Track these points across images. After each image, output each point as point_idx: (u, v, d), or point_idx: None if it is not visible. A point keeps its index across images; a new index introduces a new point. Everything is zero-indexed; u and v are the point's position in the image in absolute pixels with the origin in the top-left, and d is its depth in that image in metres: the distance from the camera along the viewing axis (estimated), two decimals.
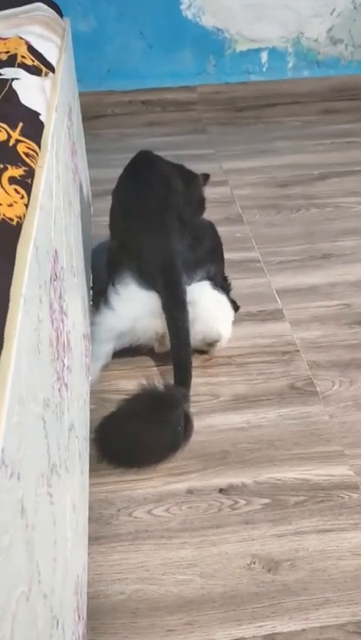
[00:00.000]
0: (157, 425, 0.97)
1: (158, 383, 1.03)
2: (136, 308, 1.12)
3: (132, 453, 0.98)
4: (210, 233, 1.25)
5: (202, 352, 1.20)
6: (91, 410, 1.07)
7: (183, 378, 1.06)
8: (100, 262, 1.27)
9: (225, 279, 1.26)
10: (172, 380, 1.09)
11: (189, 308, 1.11)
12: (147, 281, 1.12)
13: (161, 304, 1.11)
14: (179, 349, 1.09)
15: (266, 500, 0.94)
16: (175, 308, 1.10)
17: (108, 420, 1.00)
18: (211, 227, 1.26)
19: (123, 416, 0.99)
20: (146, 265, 1.12)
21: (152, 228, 1.15)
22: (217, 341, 1.17)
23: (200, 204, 1.39)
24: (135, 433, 0.97)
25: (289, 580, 0.84)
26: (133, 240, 1.16)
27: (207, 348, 1.19)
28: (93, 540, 0.88)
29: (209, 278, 1.18)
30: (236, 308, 1.27)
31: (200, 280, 1.16)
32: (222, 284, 1.21)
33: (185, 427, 0.99)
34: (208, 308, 1.15)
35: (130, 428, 0.97)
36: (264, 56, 2.29)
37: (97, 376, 1.14)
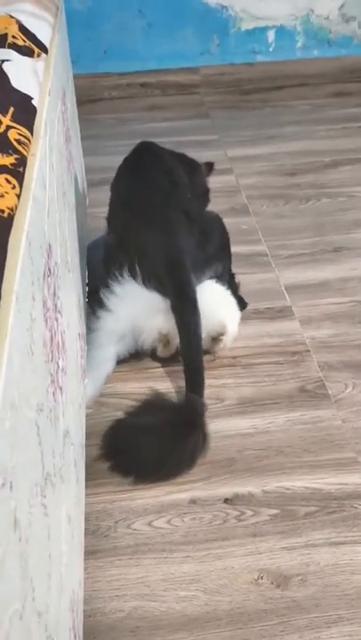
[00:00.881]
0: (177, 442, 0.97)
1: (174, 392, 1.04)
2: (135, 308, 1.12)
3: (147, 468, 0.98)
4: (218, 228, 1.25)
5: (205, 352, 1.20)
6: (87, 414, 1.07)
7: (196, 385, 1.06)
8: (96, 258, 1.27)
9: (232, 276, 1.26)
10: (172, 382, 1.09)
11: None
12: (147, 279, 1.12)
13: (170, 305, 1.10)
14: (191, 354, 1.09)
15: (274, 511, 0.94)
16: (186, 310, 1.10)
17: (122, 431, 1.00)
18: (218, 221, 1.26)
19: (139, 430, 0.99)
20: (148, 263, 1.12)
21: (155, 224, 1.15)
22: (222, 335, 1.16)
23: (204, 195, 1.38)
24: (153, 449, 0.97)
25: (299, 596, 0.84)
26: (134, 236, 1.16)
27: (211, 345, 1.18)
28: (90, 553, 0.88)
29: (216, 277, 1.18)
30: (243, 305, 1.27)
31: (207, 279, 1.16)
32: (230, 282, 1.21)
33: (202, 439, 0.99)
34: (212, 300, 1.14)
35: (147, 443, 0.97)
36: (271, 35, 2.28)
37: (100, 386, 1.13)
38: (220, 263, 1.20)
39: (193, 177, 1.33)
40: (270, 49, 2.30)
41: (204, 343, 1.17)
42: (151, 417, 1.00)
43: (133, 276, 1.12)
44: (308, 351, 1.22)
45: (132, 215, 1.19)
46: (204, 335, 1.14)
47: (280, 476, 0.99)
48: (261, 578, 0.86)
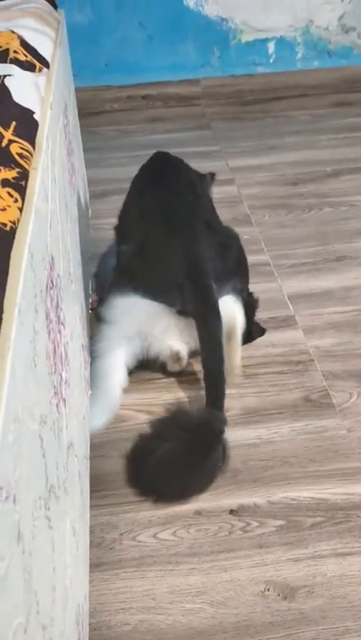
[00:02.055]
0: (198, 463, 0.97)
1: (192, 408, 1.02)
2: (144, 318, 1.11)
3: (169, 491, 0.97)
4: (236, 244, 1.24)
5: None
6: None
7: (217, 398, 1.03)
8: (108, 269, 1.25)
9: (250, 295, 1.25)
10: (176, 394, 1.09)
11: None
12: (162, 291, 1.10)
13: (192, 312, 1.08)
14: (212, 364, 1.06)
15: (280, 522, 0.93)
16: (208, 317, 1.07)
17: (143, 447, 0.99)
18: (237, 237, 1.25)
19: (159, 447, 0.97)
20: (167, 271, 1.10)
21: (178, 233, 1.13)
22: (232, 329, 1.13)
23: None
24: (174, 472, 0.96)
25: (306, 608, 0.83)
26: (154, 245, 1.13)
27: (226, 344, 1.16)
28: (95, 566, 0.88)
29: (234, 292, 1.15)
30: (261, 331, 1.25)
31: (226, 294, 1.14)
32: (247, 301, 1.19)
33: (223, 458, 0.99)
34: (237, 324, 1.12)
35: (168, 466, 0.96)
36: (271, 46, 2.30)
37: (113, 408, 1.10)
38: (238, 279, 1.18)
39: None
40: (271, 60, 2.31)
41: None
42: (171, 438, 0.98)
43: (148, 286, 1.10)
44: (312, 360, 1.22)
45: (154, 224, 1.16)
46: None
47: (285, 487, 0.98)
48: (268, 590, 0.85)
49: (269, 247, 1.55)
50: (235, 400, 1.14)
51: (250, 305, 1.20)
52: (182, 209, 1.17)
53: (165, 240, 1.13)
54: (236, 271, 1.18)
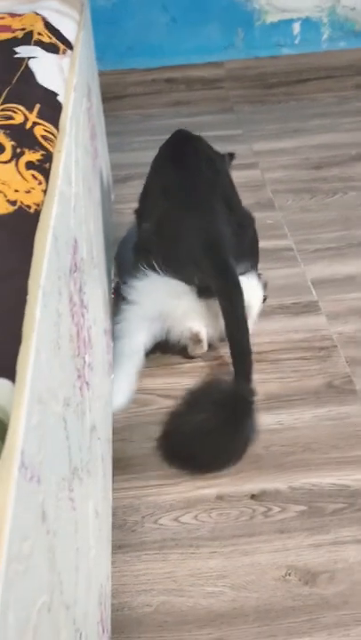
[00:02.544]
0: (230, 433, 0.97)
1: (222, 381, 1.02)
2: (164, 296, 1.10)
3: (203, 463, 0.98)
4: (252, 225, 1.23)
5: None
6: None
7: (245, 371, 1.03)
8: (127, 253, 1.26)
9: (258, 277, 1.24)
10: (200, 378, 1.09)
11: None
12: (181, 268, 1.09)
13: (214, 287, 1.07)
14: (237, 336, 1.04)
15: (302, 508, 0.93)
16: (231, 291, 1.06)
17: (176, 421, 1.01)
18: (253, 220, 1.25)
19: (192, 420, 0.99)
20: (185, 247, 1.09)
21: (197, 209, 1.12)
22: (249, 308, 1.13)
23: None
24: (207, 441, 0.97)
25: (328, 594, 0.83)
26: (173, 222, 1.13)
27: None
28: (117, 548, 0.89)
29: (247, 273, 1.15)
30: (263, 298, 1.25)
31: (241, 273, 1.13)
32: (257, 279, 1.19)
33: (254, 429, 0.99)
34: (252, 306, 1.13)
35: (200, 434, 0.97)
36: (297, 27, 2.25)
37: (131, 386, 1.11)
38: (250, 262, 1.18)
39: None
40: (296, 41, 2.27)
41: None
42: (203, 410, 0.99)
43: (166, 262, 1.10)
44: (335, 346, 1.20)
45: (173, 201, 1.16)
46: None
47: (307, 473, 0.98)
48: (289, 574, 0.85)
49: (293, 232, 1.54)
50: (257, 385, 1.13)
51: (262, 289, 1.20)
52: (202, 185, 1.16)
53: (184, 216, 1.12)
54: (250, 252, 1.18)
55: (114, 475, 0.96)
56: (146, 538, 0.90)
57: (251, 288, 1.14)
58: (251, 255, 1.19)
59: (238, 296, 1.06)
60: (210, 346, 1.18)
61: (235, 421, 0.98)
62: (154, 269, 1.10)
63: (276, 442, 1.03)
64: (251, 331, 1.14)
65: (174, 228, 1.12)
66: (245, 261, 1.14)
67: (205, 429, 0.97)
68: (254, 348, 1.19)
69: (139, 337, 1.12)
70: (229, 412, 0.98)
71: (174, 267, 1.10)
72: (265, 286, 1.23)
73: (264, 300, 1.26)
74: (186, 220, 1.11)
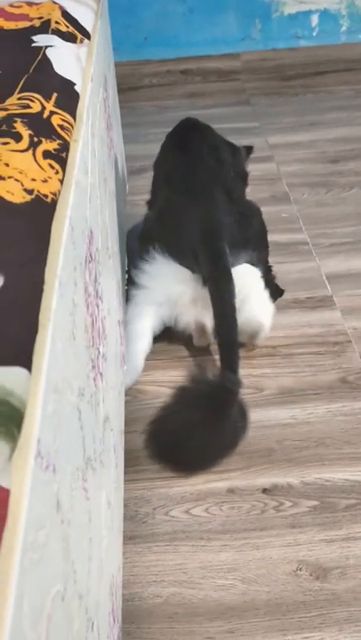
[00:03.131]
0: (215, 426, 0.96)
1: (207, 373, 1.01)
2: (168, 282, 1.11)
3: (189, 457, 0.98)
4: (257, 216, 1.22)
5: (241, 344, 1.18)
6: (125, 402, 1.07)
7: (231, 361, 1.02)
8: (135, 243, 1.26)
9: (269, 269, 1.24)
10: (210, 371, 1.08)
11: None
12: (182, 253, 1.10)
13: (204, 276, 1.07)
14: (225, 327, 1.04)
15: (314, 503, 0.93)
16: (220, 280, 1.05)
17: (160, 419, 0.99)
18: (258, 211, 1.24)
19: (175, 416, 0.98)
20: (185, 236, 1.10)
21: (197, 197, 1.12)
22: (257, 332, 1.15)
23: (243, 179, 1.37)
24: (192, 436, 0.96)
25: (339, 589, 0.82)
26: (175, 209, 1.14)
27: (248, 339, 1.17)
28: (128, 539, 0.89)
29: (251, 264, 1.15)
30: (280, 293, 1.25)
31: (243, 263, 1.14)
32: (266, 275, 1.19)
33: (242, 419, 0.98)
34: (246, 289, 1.11)
35: (184, 430, 0.96)
36: (315, 19, 2.23)
37: (140, 368, 1.13)
38: (256, 252, 1.17)
39: (233, 160, 1.31)
40: (314, 33, 2.25)
41: (241, 337, 1.16)
42: (187, 405, 0.98)
43: (168, 249, 1.10)
44: (350, 342, 1.19)
45: (175, 189, 1.17)
46: (240, 332, 1.11)
47: (320, 468, 0.97)
48: (300, 569, 0.85)
49: (308, 226, 1.52)
50: (270, 380, 1.13)
51: (268, 278, 1.18)
52: (202, 174, 1.16)
53: (184, 204, 1.13)
54: (254, 243, 1.16)
55: (125, 466, 0.96)
56: (157, 529, 0.91)
57: (249, 277, 1.13)
58: (257, 246, 1.18)
59: (227, 283, 1.04)
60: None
61: (219, 415, 0.96)
62: (159, 254, 1.11)
63: (289, 436, 1.02)
64: (265, 334, 1.14)
65: (175, 217, 1.13)
66: (249, 251, 1.14)
67: (190, 424, 0.95)
68: (268, 342, 1.19)
69: (147, 321, 1.12)
70: (213, 405, 0.96)
71: (176, 255, 1.10)
72: (272, 280, 1.22)
73: (281, 293, 1.25)
74: (185, 208, 1.12)
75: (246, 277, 1.12)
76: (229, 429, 0.98)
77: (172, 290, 1.11)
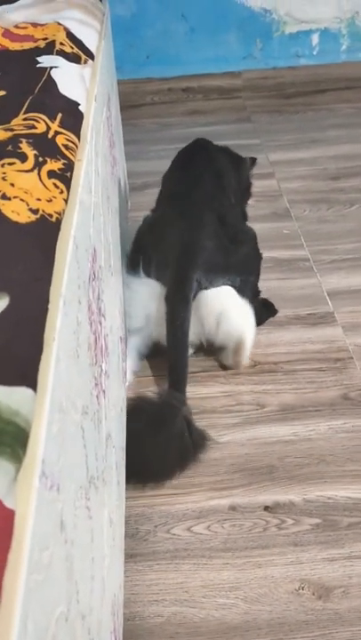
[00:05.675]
0: (160, 440, 0.97)
1: (152, 392, 1.04)
2: (146, 304, 1.14)
3: (141, 472, 0.98)
4: (249, 243, 1.23)
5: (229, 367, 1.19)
6: None
7: (178, 381, 1.06)
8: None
9: (257, 293, 1.25)
10: (212, 388, 1.09)
11: (207, 312, 1.12)
12: (160, 270, 1.14)
13: (165, 296, 1.11)
14: (175, 349, 1.09)
15: (316, 521, 0.92)
16: (177, 306, 1.10)
17: None
18: (253, 237, 1.25)
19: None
20: (165, 253, 1.14)
21: (184, 219, 1.16)
22: (239, 346, 1.14)
23: (246, 189, 1.40)
24: (140, 452, 0.96)
25: (342, 609, 0.82)
26: (164, 224, 1.19)
27: (233, 357, 1.17)
28: (129, 557, 0.89)
29: (233, 287, 1.16)
30: (273, 312, 1.27)
31: (221, 284, 1.15)
32: (251, 298, 1.19)
33: (191, 435, 0.98)
34: (225, 312, 1.13)
35: (132, 447, 0.96)
36: (315, 38, 2.26)
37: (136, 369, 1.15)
38: (240, 277, 1.17)
39: (237, 171, 1.34)
40: (314, 52, 2.28)
41: (226, 358, 1.17)
42: (137, 422, 0.99)
43: (150, 262, 1.15)
44: (351, 358, 1.20)
45: (171, 205, 1.22)
46: (220, 340, 1.15)
47: (322, 485, 0.97)
48: (302, 588, 0.84)
49: (309, 242, 1.53)
50: (271, 396, 1.13)
51: (252, 302, 1.19)
52: (198, 196, 1.20)
53: (173, 222, 1.17)
54: (238, 268, 1.17)
55: (126, 483, 0.96)
56: (158, 547, 0.90)
57: (224, 295, 1.14)
58: (242, 272, 1.18)
59: (183, 310, 1.09)
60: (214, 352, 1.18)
61: (163, 428, 0.98)
62: (141, 270, 1.15)
63: (290, 453, 1.02)
64: (248, 353, 1.15)
65: (163, 231, 1.18)
66: (231, 276, 1.15)
67: (137, 442, 0.96)
68: (269, 359, 1.20)
69: (130, 344, 1.16)
70: (155, 419, 0.99)
71: (155, 269, 1.15)
72: (259, 305, 1.22)
73: (274, 314, 1.26)
74: (173, 225, 1.16)
75: (220, 296, 1.13)
76: (177, 442, 0.98)
77: (150, 309, 1.15)
